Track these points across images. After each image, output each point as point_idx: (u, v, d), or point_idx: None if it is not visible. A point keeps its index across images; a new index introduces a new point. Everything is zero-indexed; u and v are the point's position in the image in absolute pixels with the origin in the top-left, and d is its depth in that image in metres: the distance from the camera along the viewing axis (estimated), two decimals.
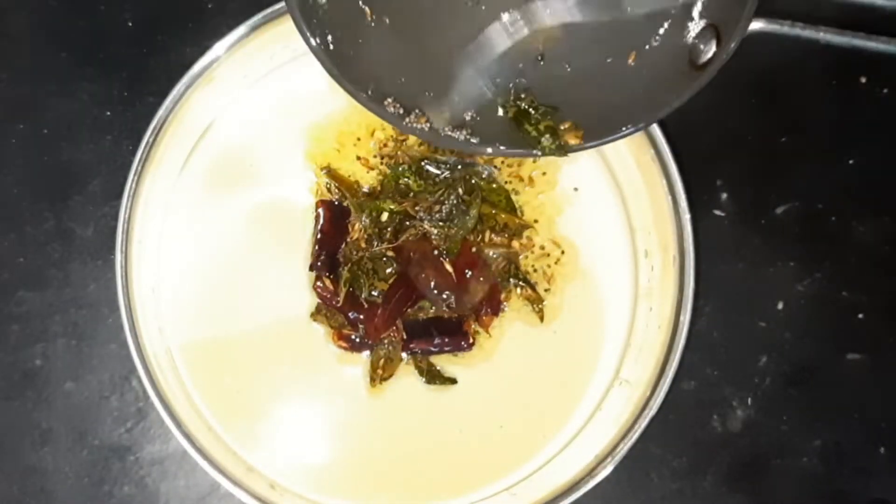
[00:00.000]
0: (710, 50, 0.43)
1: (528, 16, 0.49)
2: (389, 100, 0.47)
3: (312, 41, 0.45)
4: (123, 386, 0.61)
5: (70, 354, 0.61)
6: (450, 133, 0.48)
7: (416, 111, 0.47)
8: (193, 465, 0.57)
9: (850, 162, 0.64)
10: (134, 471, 0.61)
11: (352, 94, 0.46)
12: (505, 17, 0.49)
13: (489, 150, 0.48)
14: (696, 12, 0.45)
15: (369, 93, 0.46)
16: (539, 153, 0.48)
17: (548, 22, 0.48)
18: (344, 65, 0.46)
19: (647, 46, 0.46)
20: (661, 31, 0.46)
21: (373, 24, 0.48)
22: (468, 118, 0.48)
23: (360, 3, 0.47)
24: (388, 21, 0.48)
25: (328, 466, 0.60)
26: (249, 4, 0.58)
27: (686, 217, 0.58)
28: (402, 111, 0.47)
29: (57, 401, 0.61)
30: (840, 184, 0.64)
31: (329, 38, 0.46)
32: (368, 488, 0.59)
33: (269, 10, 0.58)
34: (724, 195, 0.63)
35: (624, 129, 0.46)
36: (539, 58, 0.49)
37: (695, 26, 0.45)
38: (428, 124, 0.48)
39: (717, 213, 0.63)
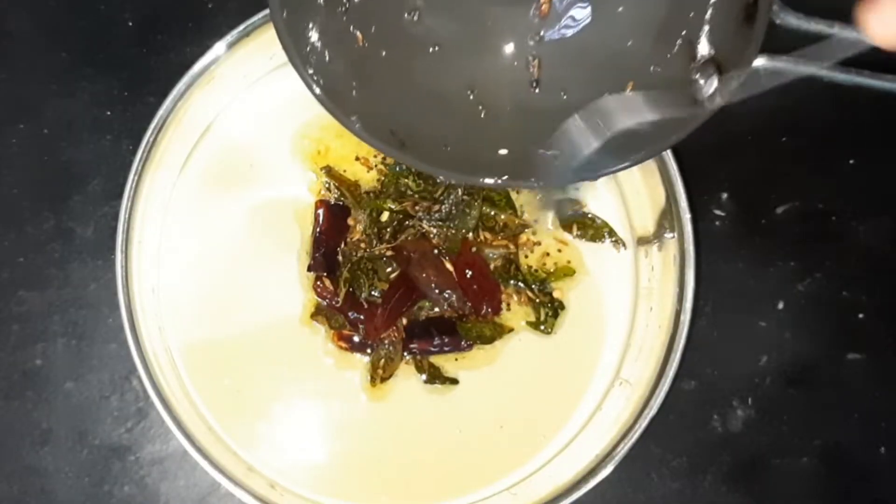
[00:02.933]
0: (712, 85, 0.42)
1: (525, 42, 0.48)
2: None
3: (315, 88, 0.44)
4: (123, 386, 0.61)
5: (70, 354, 0.61)
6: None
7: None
8: (193, 465, 0.57)
9: (851, 162, 0.64)
10: (134, 471, 0.61)
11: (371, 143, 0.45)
12: (502, 44, 0.48)
13: (488, 181, 0.46)
14: (699, 47, 0.44)
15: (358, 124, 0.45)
16: (537, 184, 0.47)
17: (546, 49, 0.47)
18: (347, 102, 0.45)
19: (646, 78, 0.45)
20: (662, 62, 0.45)
21: (365, 54, 0.47)
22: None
23: (351, 30, 0.47)
24: (383, 53, 0.47)
25: (328, 466, 0.60)
26: (249, 4, 0.58)
27: (686, 217, 0.58)
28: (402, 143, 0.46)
29: (57, 401, 0.61)
30: (840, 184, 0.64)
31: (326, 74, 0.45)
32: (368, 488, 0.59)
33: (269, 11, 0.57)
34: (724, 195, 0.63)
35: (617, 163, 0.44)
36: (533, 84, 0.48)
37: (697, 61, 0.44)
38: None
39: (717, 212, 0.63)
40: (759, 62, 0.41)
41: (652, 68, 0.45)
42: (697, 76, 0.43)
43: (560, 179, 0.46)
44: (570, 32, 0.47)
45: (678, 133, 0.43)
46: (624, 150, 0.44)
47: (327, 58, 0.45)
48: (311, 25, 0.45)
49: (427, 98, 0.48)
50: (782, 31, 0.41)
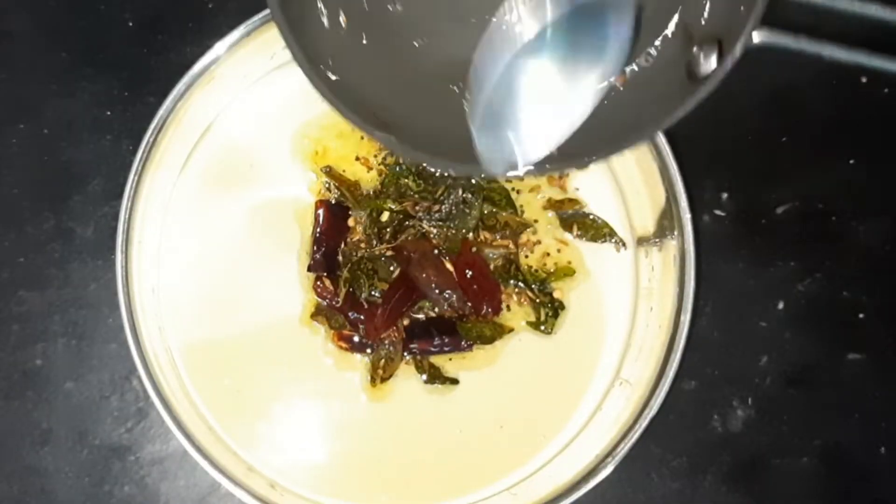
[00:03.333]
0: (711, 63, 0.41)
1: (513, 27, 0.47)
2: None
3: (319, 81, 0.44)
4: (123, 386, 0.61)
5: (70, 354, 0.61)
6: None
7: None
8: (193, 465, 0.57)
9: (851, 162, 0.64)
10: (134, 471, 0.61)
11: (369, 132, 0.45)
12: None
13: (477, 169, 0.45)
14: (699, 24, 0.44)
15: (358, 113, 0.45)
16: (528, 173, 0.45)
17: (534, 34, 0.47)
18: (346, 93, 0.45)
19: (644, 57, 0.45)
20: (662, 39, 0.45)
21: (359, 43, 0.46)
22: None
23: (341, 18, 0.46)
24: (375, 40, 0.47)
25: (328, 466, 0.60)
26: (249, 4, 0.58)
27: (686, 217, 0.58)
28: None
29: (57, 401, 0.61)
30: (840, 184, 0.64)
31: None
32: (369, 488, 0.59)
33: (269, 11, 0.57)
34: (724, 195, 0.63)
35: (614, 146, 0.44)
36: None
37: (696, 36, 0.44)
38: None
39: (717, 213, 0.63)
40: (760, 38, 0.41)
41: (653, 45, 0.45)
42: (696, 52, 0.42)
43: (553, 166, 0.45)
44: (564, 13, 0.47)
45: (679, 109, 0.42)
46: (618, 133, 0.44)
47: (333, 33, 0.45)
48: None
49: (413, 84, 0.47)
50: (783, 4, 0.40)
